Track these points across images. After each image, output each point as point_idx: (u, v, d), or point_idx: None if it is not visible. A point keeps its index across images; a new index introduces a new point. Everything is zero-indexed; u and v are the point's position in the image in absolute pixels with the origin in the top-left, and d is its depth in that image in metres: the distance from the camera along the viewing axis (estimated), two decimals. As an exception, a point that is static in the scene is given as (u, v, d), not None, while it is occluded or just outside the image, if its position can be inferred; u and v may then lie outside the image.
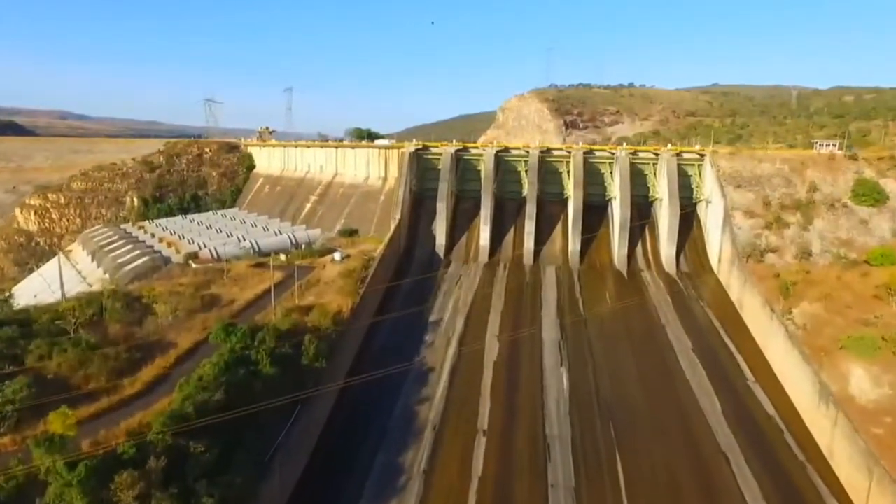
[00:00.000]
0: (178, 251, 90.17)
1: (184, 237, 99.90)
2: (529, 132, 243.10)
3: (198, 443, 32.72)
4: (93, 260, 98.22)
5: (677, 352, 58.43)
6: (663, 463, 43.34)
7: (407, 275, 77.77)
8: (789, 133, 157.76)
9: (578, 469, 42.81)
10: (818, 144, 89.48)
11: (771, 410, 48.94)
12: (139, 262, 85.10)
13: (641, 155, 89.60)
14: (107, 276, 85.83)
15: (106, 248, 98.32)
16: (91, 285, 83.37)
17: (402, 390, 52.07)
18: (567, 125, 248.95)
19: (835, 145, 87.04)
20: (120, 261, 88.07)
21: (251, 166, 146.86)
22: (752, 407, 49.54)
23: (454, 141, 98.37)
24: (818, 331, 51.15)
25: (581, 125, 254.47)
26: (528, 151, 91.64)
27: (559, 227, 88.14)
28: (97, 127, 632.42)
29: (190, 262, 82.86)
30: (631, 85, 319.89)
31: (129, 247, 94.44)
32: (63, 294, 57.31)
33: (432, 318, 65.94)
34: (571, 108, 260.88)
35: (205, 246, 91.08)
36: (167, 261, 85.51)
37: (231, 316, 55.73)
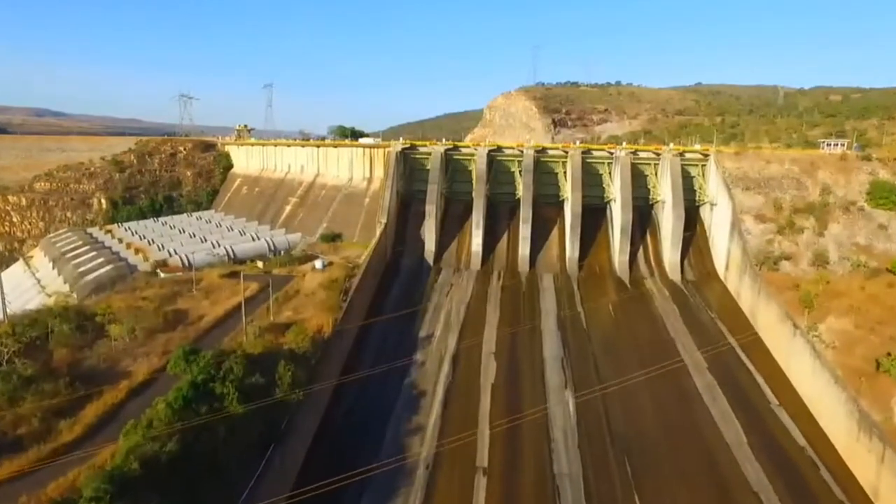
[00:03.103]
0: (146, 258, 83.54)
1: (153, 242, 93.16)
2: (517, 131, 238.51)
3: (143, 508, 26.75)
4: (53, 267, 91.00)
5: (692, 371, 53.46)
6: (689, 506, 38.20)
7: (394, 285, 72.02)
8: (782, 132, 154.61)
9: (593, 515, 37.51)
10: (825, 144, 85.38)
11: (801, 441, 44.10)
12: (102, 270, 78.43)
13: (642, 155, 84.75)
14: (67, 286, 78.92)
15: (68, 255, 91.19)
16: (50, 296, 76.47)
17: (390, 420, 46.35)
18: (555, 123, 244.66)
19: (842, 145, 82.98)
20: (81, 269, 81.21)
21: (228, 166, 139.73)
22: (781, 437, 44.64)
23: (443, 140, 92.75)
24: (850, 350, 46.45)
25: (569, 124, 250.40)
26: (522, 151, 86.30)
27: (555, 231, 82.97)
28: (75, 124, 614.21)
29: (158, 270, 76.36)
30: (618, 83, 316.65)
31: (93, 254, 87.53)
32: (5, 313, 50.56)
33: (422, 333, 60.28)
34: (559, 106, 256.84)
35: (175, 253, 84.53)
36: (133, 269, 78.93)
37: (197, 337, 49.60)
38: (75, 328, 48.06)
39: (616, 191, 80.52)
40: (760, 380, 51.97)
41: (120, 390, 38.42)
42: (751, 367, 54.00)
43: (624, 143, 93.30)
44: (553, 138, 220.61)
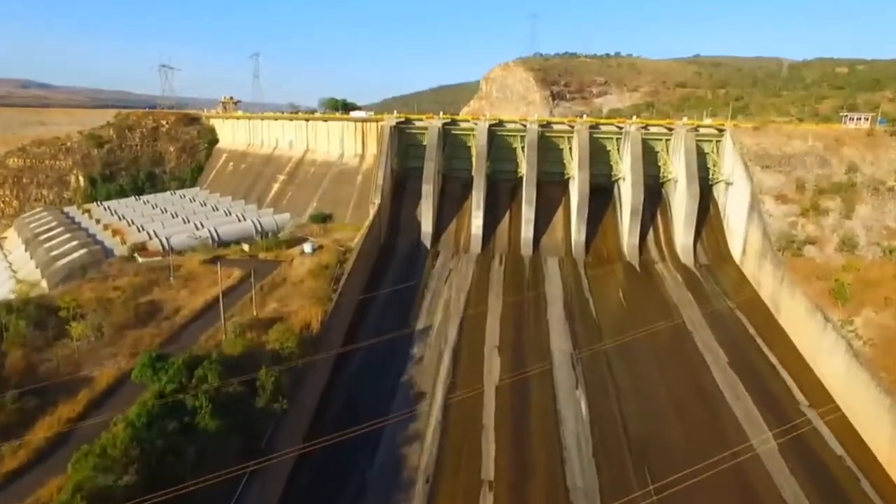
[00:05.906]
0: (123, 241, 78.11)
1: (133, 223, 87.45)
2: (514, 103, 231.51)
3: (90, 561, 22.37)
4: (26, 250, 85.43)
5: (712, 368, 49.39)
6: (719, 528, 34.34)
7: (388, 271, 67.25)
8: (791, 105, 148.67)
9: (613, 538, 33.61)
10: (847, 118, 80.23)
11: (838, 449, 40.27)
12: (75, 255, 72.89)
13: (653, 130, 79.43)
14: (38, 270, 73.73)
15: (41, 237, 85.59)
16: (20, 282, 71.44)
17: (385, 427, 42.05)
18: (554, 96, 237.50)
19: (866, 119, 77.91)
20: (54, 253, 75.73)
21: (214, 140, 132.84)
22: (816, 444, 40.78)
23: (440, 113, 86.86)
24: (892, 348, 42.28)
25: (568, 96, 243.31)
26: (525, 125, 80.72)
27: (560, 212, 78.06)
28: (61, 97, 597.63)
29: (135, 255, 71.31)
30: (617, 54, 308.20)
31: (67, 236, 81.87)
32: (-44, 307, 45.52)
33: (419, 325, 55.78)
34: (558, 78, 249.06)
35: (155, 235, 79.03)
36: (109, 253, 73.58)
37: (171, 334, 45.01)
38: (34, 325, 43.33)
39: (626, 168, 75.46)
40: (787, 378, 48.02)
41: (78, 402, 33.87)
42: (776, 363, 50.03)
43: (634, 118, 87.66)
44: (552, 111, 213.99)
